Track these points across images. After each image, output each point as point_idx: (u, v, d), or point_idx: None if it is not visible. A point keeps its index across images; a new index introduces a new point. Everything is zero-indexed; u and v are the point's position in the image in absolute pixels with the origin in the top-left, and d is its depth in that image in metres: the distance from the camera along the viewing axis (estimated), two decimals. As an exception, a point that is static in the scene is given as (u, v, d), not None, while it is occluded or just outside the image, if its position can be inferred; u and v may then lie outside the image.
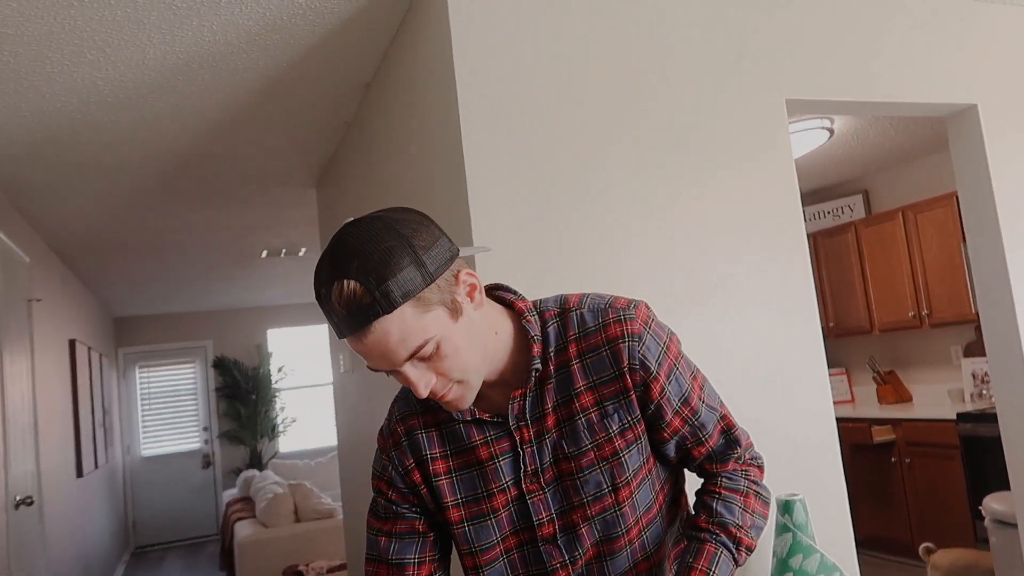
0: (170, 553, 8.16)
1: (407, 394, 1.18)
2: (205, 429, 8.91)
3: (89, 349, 6.20)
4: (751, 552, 1.15)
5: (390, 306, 0.92)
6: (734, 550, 1.13)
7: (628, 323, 1.08)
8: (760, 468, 1.23)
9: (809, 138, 4.07)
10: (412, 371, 0.97)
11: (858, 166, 5.28)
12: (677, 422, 1.13)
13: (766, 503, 1.20)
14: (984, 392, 4.77)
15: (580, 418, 1.09)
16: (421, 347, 0.95)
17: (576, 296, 1.13)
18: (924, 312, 4.91)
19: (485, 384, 1.09)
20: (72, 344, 5.47)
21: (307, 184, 4.20)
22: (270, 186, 4.15)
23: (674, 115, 2.25)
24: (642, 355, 1.08)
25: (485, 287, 1.13)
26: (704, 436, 1.16)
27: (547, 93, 2.12)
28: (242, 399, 8.86)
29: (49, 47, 2.36)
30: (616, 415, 1.09)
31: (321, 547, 5.28)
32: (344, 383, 3.80)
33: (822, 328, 2.39)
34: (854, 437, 4.99)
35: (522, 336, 1.09)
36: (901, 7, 2.64)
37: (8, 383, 3.53)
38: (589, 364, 1.09)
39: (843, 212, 5.71)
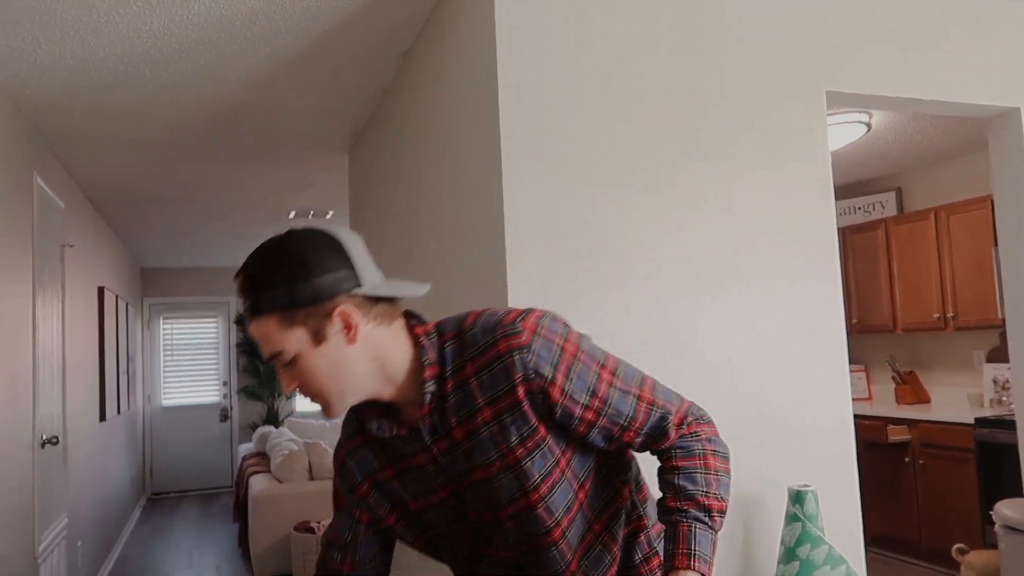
0: (184, 501, 8.34)
1: (345, 417, 1.31)
2: (224, 383, 9.06)
3: (117, 297, 6.31)
4: (724, 514, 1.18)
5: (258, 311, 1.10)
6: (707, 519, 1.16)
7: (513, 338, 1.13)
8: (708, 423, 1.24)
9: (845, 131, 4.03)
10: (280, 368, 1.14)
11: (893, 163, 5.21)
12: (589, 415, 1.16)
13: (725, 458, 1.22)
14: (1004, 399, 4.73)
15: (483, 431, 1.16)
16: (277, 355, 1.11)
17: (473, 315, 1.20)
18: (949, 314, 4.86)
19: (402, 403, 1.19)
20: (101, 291, 5.57)
21: (340, 148, 4.22)
22: (303, 148, 4.18)
23: (714, 101, 2.25)
24: (534, 364, 1.12)
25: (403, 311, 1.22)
26: (626, 420, 1.18)
27: (589, 72, 2.12)
28: (261, 356, 8.97)
29: (97, -3, 2.38)
30: (513, 427, 1.14)
31: (332, 506, 5.38)
32: (365, 347, 3.85)
33: (846, 324, 2.40)
34: (869, 435, 4.98)
35: (419, 359, 1.18)
36: (949, 6, 2.60)
37: (40, 326, 3.61)
38: (485, 380, 1.15)
39: (875, 209, 5.64)
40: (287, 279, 1.08)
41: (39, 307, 3.60)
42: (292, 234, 1.12)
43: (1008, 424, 4.16)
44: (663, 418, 1.19)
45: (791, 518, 2.02)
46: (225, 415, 9.01)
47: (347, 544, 1.30)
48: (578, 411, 1.15)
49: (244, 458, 7.00)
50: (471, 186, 2.27)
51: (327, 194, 5.36)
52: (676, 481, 1.18)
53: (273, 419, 8.87)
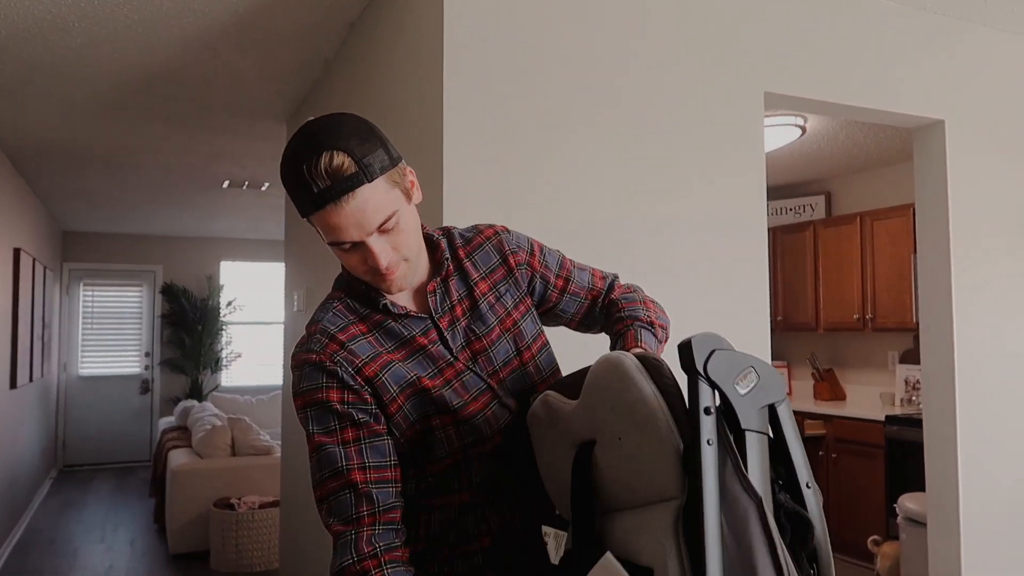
0: (99, 475, 8.07)
1: (331, 314, 1.23)
2: (147, 355, 8.78)
3: (34, 260, 6.05)
4: (666, 333, 1.37)
5: (371, 176, 1.08)
6: (651, 329, 1.33)
7: (497, 226, 1.37)
8: (640, 292, 1.46)
9: (781, 133, 4.14)
10: (377, 243, 1.12)
11: (824, 167, 5.38)
12: (560, 283, 1.39)
13: (663, 309, 1.42)
14: (914, 398, 4.96)
15: (482, 302, 1.29)
16: (390, 218, 1.11)
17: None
18: (868, 316, 5.06)
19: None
20: (17, 253, 5.32)
21: (279, 118, 4.12)
22: (241, 116, 4.06)
23: (653, 97, 2.27)
24: (516, 242, 1.36)
25: None
26: (589, 285, 1.43)
27: (533, 56, 2.12)
28: (187, 328, 8.74)
29: (25, -59, 2.26)
30: (508, 294, 1.32)
31: (255, 483, 5.28)
32: (297, 321, 3.78)
33: (770, 321, 2.47)
34: (787, 428, 5.15)
35: (428, 242, 1.29)
36: (885, 18, 2.69)
37: (-52, 285, 3.43)
38: (478, 260, 1.32)
39: (804, 211, 5.82)
40: (381, 141, 1.12)
41: (-52, 265, 3.42)
42: (343, 114, 1.15)
43: (916, 423, 4.37)
44: (612, 284, 1.45)
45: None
46: (146, 387, 8.74)
47: (376, 450, 1.16)
48: (552, 278, 1.38)
49: (164, 432, 6.81)
50: (411, 161, 2.25)
51: (263, 165, 5.23)
52: (622, 314, 1.36)
53: (197, 393, 8.64)
